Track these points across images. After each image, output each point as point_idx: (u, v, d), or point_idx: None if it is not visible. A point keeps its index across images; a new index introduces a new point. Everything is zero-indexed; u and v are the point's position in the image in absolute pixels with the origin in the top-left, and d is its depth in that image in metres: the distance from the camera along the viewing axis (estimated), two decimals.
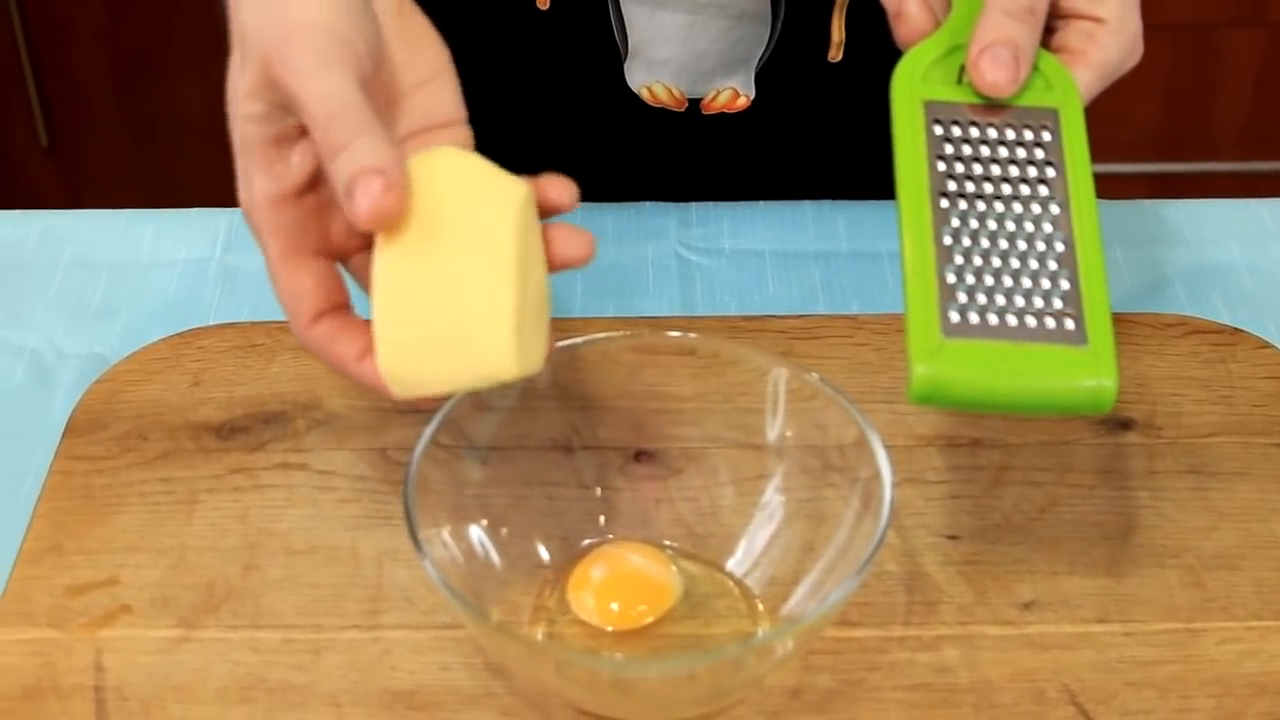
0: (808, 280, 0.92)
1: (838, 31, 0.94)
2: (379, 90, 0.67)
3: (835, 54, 0.95)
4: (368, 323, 0.66)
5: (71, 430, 0.82)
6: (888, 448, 0.70)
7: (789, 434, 0.75)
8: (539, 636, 0.72)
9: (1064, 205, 0.67)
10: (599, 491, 0.77)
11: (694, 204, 0.98)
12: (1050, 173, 0.67)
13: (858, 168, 0.94)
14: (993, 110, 0.68)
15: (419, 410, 0.70)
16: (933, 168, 0.67)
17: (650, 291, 0.92)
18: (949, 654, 0.71)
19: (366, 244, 0.66)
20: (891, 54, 0.70)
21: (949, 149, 0.67)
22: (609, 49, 0.95)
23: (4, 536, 0.77)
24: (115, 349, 0.88)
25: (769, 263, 0.94)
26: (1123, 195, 1.00)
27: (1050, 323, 0.64)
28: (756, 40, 0.94)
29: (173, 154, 2.20)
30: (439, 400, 0.70)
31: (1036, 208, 0.66)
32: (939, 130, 0.68)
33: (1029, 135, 0.68)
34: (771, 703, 0.69)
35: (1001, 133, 0.68)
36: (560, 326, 0.71)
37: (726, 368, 0.76)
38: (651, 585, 0.73)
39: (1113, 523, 0.77)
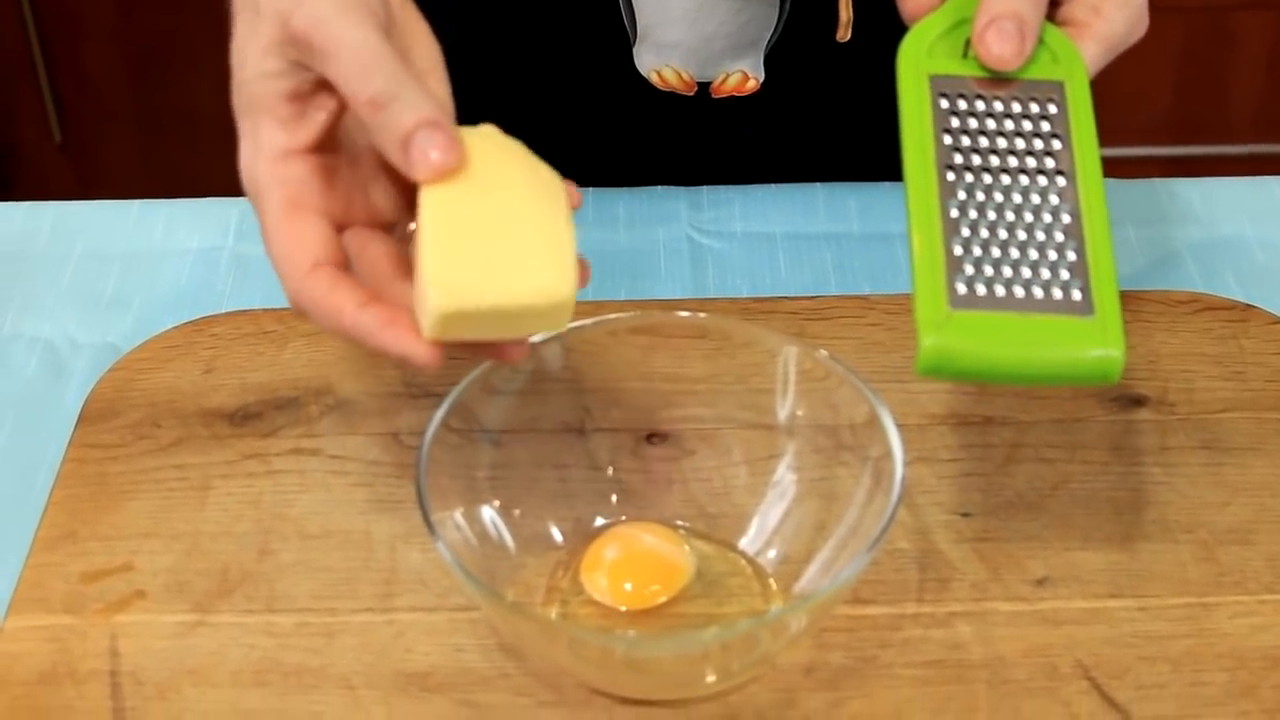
0: (819, 262, 0.92)
1: (845, 10, 0.94)
2: None
3: (844, 33, 0.95)
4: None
5: (85, 418, 0.82)
6: (899, 426, 0.70)
7: (801, 414, 0.75)
8: (552, 617, 0.72)
9: (1070, 177, 0.67)
10: (611, 472, 0.77)
11: (705, 187, 0.98)
12: (1056, 145, 0.67)
13: (868, 149, 0.93)
14: (999, 84, 0.68)
15: (430, 395, 0.70)
16: (939, 141, 0.67)
17: (662, 275, 0.92)
18: (962, 630, 0.71)
19: (366, 218, 0.66)
20: (899, 31, 0.70)
21: (955, 122, 0.67)
22: (618, 33, 0.95)
23: (19, 524, 0.77)
24: (128, 338, 0.88)
25: (780, 245, 0.94)
26: (1136, 178, 1.00)
27: (1057, 293, 0.64)
28: (765, 22, 0.94)
29: (185, 149, 2.21)
30: (462, 347, 0.66)
31: (1043, 180, 0.66)
32: (945, 104, 0.68)
33: (1035, 108, 0.68)
34: (785, 680, 0.70)
35: (1008, 106, 0.68)
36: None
37: (738, 349, 0.76)
38: (664, 565, 0.73)
39: (1125, 498, 0.77)
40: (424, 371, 0.66)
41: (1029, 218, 0.66)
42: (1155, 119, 2.19)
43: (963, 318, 0.64)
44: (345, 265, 0.66)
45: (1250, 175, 1.00)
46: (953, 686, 0.69)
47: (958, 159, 0.67)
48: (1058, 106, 0.68)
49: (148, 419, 0.82)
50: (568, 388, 0.77)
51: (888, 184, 0.96)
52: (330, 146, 0.66)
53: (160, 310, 0.90)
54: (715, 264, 0.92)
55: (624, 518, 0.76)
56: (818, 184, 0.98)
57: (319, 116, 0.66)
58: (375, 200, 0.67)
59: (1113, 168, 1.00)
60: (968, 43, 0.68)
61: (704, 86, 0.97)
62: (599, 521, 0.76)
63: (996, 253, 0.65)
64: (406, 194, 0.65)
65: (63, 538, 0.76)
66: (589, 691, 0.69)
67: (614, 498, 0.76)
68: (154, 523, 0.77)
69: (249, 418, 0.82)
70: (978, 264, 0.65)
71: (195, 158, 2.18)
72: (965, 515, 0.76)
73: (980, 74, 0.68)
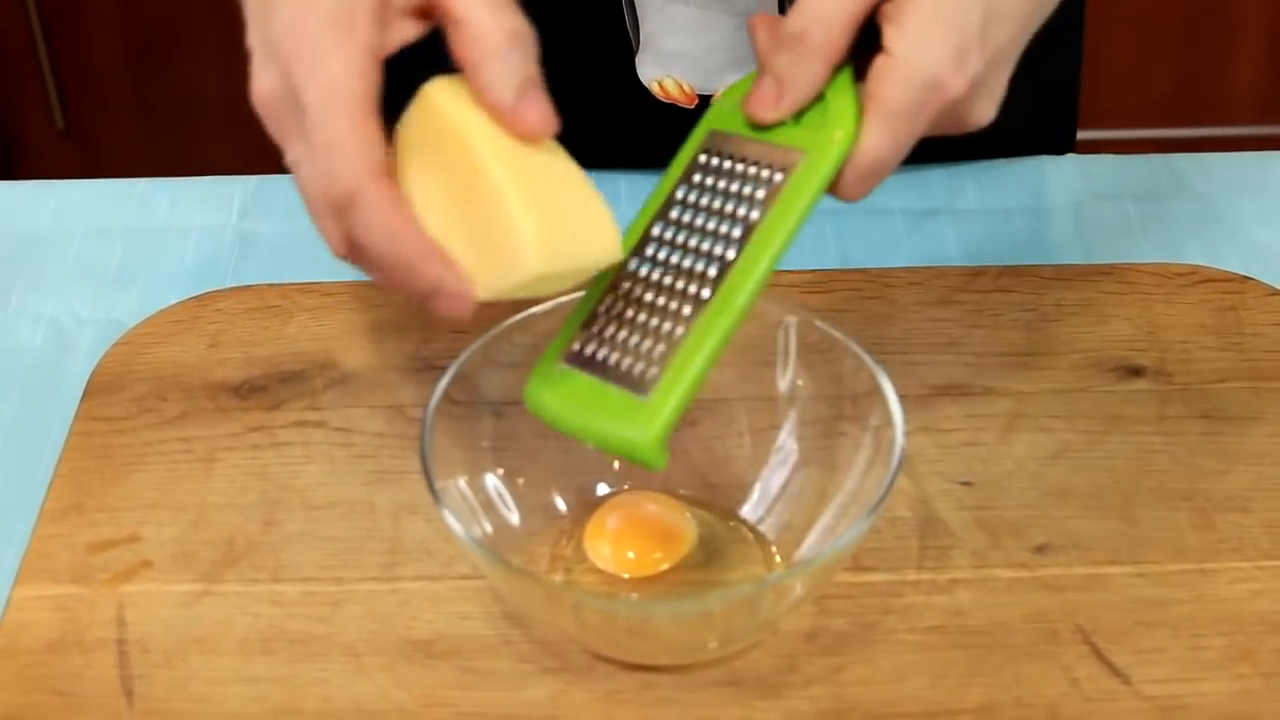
0: (819, 235, 0.93)
1: None
2: None
3: None
4: None
5: (91, 392, 0.83)
6: (901, 396, 0.70)
7: (802, 383, 0.76)
8: None
9: (739, 252, 0.64)
10: None
11: None
12: (754, 215, 0.65)
13: None
14: (750, 144, 0.66)
15: (433, 367, 0.70)
16: (672, 194, 0.67)
17: None
18: (962, 597, 0.72)
19: None
20: None
21: (697, 178, 0.67)
22: (621, 41, 0.95)
23: (27, 496, 0.78)
24: (133, 315, 0.89)
25: None
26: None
27: (638, 369, 0.64)
28: None
29: (188, 135, 2.21)
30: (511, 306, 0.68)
31: (718, 248, 0.65)
32: (702, 159, 0.68)
33: (765, 173, 0.65)
34: (787, 646, 0.70)
35: (747, 168, 0.66)
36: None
37: None
38: (667, 533, 0.74)
39: (1124, 467, 0.78)
40: (453, 320, 0.64)
41: (670, 284, 0.65)
42: (1155, 100, 2.20)
43: (563, 374, 0.66)
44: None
45: None
46: (954, 651, 0.70)
47: (673, 213, 0.67)
48: (783, 176, 0.65)
49: (153, 392, 0.82)
50: None
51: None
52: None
53: (165, 287, 0.91)
54: None
55: (626, 486, 0.76)
56: None
57: (403, 32, 0.66)
58: None
59: (1112, 151, 1.00)
60: None
61: (705, 99, 0.96)
62: (602, 490, 0.76)
63: (624, 315, 0.66)
64: None
65: (69, 509, 0.77)
66: (592, 658, 0.70)
67: (616, 466, 0.77)
68: (160, 494, 0.77)
69: (254, 391, 0.82)
70: (602, 325, 0.66)
71: (197, 144, 2.19)
72: (966, 484, 0.77)
73: (747, 132, 0.67)
